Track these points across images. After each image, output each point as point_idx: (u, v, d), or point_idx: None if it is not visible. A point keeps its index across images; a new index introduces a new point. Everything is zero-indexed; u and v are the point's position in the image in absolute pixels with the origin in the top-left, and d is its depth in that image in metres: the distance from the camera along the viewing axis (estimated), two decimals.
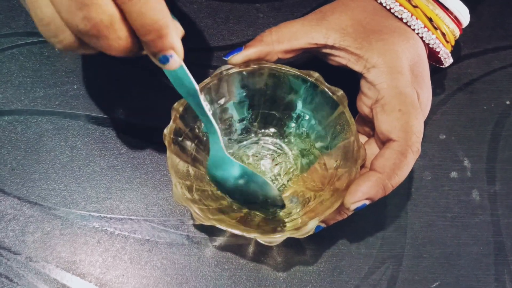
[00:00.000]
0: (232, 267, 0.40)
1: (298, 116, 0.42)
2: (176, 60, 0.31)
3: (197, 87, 0.34)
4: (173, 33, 0.30)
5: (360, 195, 0.35)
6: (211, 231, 0.41)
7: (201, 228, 0.42)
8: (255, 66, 0.39)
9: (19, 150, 0.44)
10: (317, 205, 0.37)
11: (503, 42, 0.49)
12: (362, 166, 0.37)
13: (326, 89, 0.39)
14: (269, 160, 0.43)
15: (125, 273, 0.40)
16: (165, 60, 0.31)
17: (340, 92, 0.39)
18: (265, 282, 0.40)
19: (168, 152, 0.36)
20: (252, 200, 0.39)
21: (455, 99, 0.47)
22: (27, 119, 0.45)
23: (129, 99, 0.45)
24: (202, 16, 0.49)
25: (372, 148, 0.38)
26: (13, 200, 0.42)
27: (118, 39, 0.29)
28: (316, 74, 0.39)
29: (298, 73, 0.39)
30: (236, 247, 0.41)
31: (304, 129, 0.42)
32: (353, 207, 0.35)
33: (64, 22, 0.28)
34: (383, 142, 0.37)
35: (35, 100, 0.45)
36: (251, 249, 0.41)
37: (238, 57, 0.39)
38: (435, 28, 0.39)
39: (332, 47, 0.39)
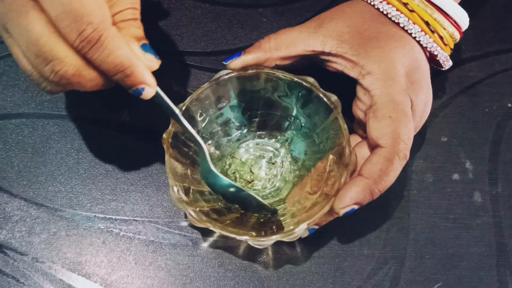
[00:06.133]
0: (235, 268, 0.41)
1: (294, 120, 0.42)
2: (148, 91, 0.33)
3: (176, 110, 0.36)
4: (141, 69, 0.32)
5: (349, 200, 0.36)
6: (214, 232, 0.42)
7: (205, 229, 0.42)
8: (252, 71, 0.40)
9: (26, 152, 0.44)
10: (308, 209, 0.38)
11: (505, 45, 0.49)
12: (354, 171, 0.38)
13: (321, 95, 0.39)
14: (265, 163, 0.43)
15: (130, 274, 0.41)
16: (138, 92, 0.33)
17: (334, 98, 0.39)
18: (268, 283, 0.40)
19: (166, 156, 0.37)
20: (246, 205, 0.40)
21: (457, 101, 0.47)
22: (34, 122, 0.45)
23: (134, 102, 0.46)
24: (206, 21, 0.49)
25: (363, 151, 0.39)
26: (20, 201, 0.43)
27: (89, 81, 0.32)
28: (311, 80, 0.40)
29: (294, 78, 0.40)
30: (239, 248, 0.41)
31: (299, 132, 0.42)
32: (342, 212, 0.36)
33: (38, 74, 0.32)
34: (373, 147, 0.38)
35: (42, 104, 0.46)
36: (254, 250, 0.41)
37: (236, 63, 0.40)
38: (432, 32, 0.40)
39: (329, 53, 0.39)
